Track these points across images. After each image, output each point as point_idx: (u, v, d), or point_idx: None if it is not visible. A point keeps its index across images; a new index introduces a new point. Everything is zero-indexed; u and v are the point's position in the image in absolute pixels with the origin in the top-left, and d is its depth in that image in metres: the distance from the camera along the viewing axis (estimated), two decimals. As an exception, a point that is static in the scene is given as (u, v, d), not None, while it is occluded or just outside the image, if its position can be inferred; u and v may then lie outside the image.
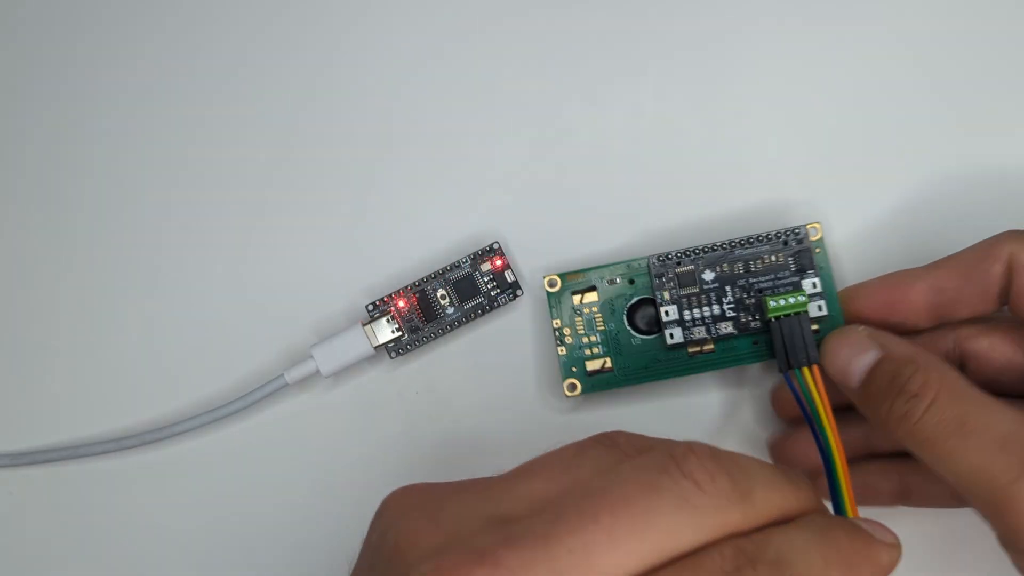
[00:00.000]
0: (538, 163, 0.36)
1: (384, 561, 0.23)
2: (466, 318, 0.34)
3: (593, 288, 0.34)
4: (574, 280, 0.34)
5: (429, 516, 0.23)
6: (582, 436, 0.34)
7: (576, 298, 0.34)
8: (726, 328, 0.33)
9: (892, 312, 0.31)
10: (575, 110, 0.37)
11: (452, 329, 0.35)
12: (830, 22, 0.36)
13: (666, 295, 0.33)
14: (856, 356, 0.30)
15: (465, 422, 0.35)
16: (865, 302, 0.32)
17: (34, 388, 0.36)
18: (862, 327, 0.31)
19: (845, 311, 0.32)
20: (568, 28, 0.37)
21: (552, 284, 0.34)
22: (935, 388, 0.27)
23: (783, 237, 0.33)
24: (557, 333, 0.34)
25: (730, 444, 0.32)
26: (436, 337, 0.35)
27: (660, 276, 0.33)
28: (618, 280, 0.34)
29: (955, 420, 0.27)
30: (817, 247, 0.33)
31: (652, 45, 0.37)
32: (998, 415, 0.26)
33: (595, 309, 0.34)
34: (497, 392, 0.35)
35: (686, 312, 0.33)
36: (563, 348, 0.34)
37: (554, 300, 0.34)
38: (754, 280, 0.33)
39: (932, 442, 0.27)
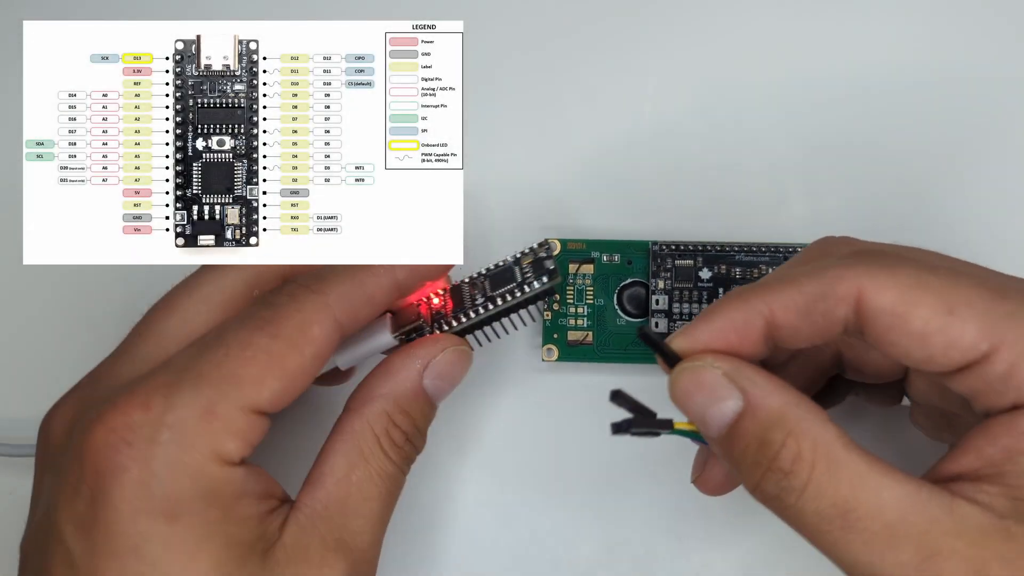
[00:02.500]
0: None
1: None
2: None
3: (591, 260, 0.35)
4: (574, 248, 0.35)
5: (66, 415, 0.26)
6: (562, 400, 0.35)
7: (573, 267, 0.34)
8: (710, 326, 0.34)
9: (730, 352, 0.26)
10: (601, 94, 0.37)
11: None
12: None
13: (660, 284, 0.34)
14: (712, 405, 0.25)
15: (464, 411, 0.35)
16: (703, 343, 0.26)
17: (36, 390, 0.36)
18: (719, 364, 0.25)
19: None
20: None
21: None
22: (810, 463, 0.23)
23: (783, 252, 0.34)
24: (547, 297, 0.34)
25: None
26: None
27: (659, 263, 0.34)
28: (617, 258, 0.34)
29: (836, 508, 0.23)
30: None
31: (682, 31, 0.37)
32: (885, 495, 0.23)
33: (588, 281, 0.34)
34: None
35: (675, 305, 0.34)
36: (549, 313, 0.34)
37: (550, 264, 0.35)
38: (746, 285, 0.34)
39: (811, 530, 0.24)
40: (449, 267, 0.29)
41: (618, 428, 0.25)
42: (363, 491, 0.27)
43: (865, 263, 0.24)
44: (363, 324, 0.28)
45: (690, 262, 0.34)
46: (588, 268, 0.35)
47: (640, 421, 0.25)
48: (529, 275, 0.29)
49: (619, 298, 0.34)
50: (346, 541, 0.26)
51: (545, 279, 0.29)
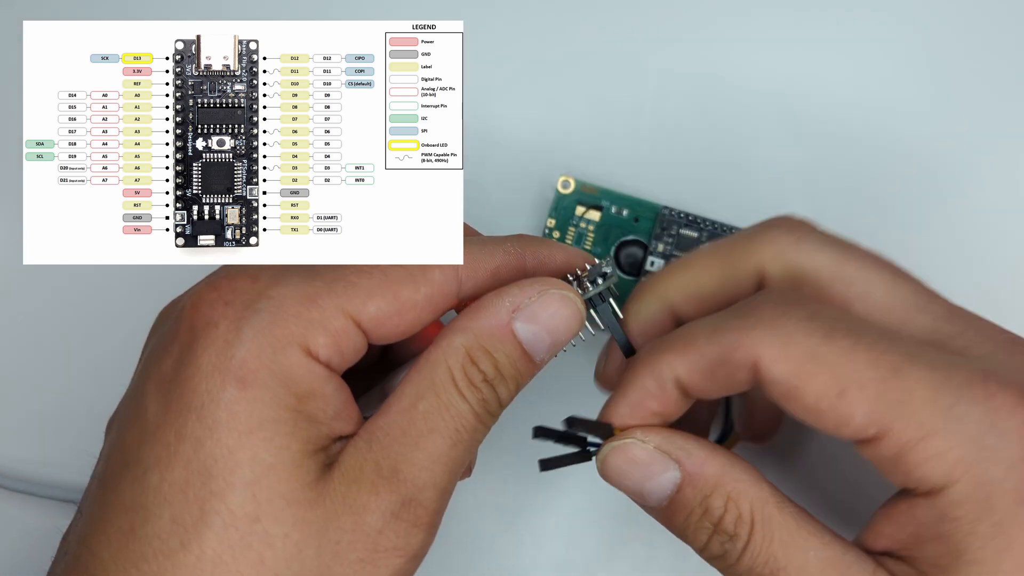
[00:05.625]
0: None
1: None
2: None
3: (600, 208, 0.35)
4: (587, 192, 0.35)
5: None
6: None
7: (580, 209, 0.35)
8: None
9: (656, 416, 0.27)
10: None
11: None
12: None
13: (660, 247, 0.34)
14: (650, 478, 0.25)
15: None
16: (627, 416, 0.26)
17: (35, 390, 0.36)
18: (649, 437, 0.26)
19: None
20: None
21: (565, 185, 0.35)
22: (749, 523, 0.25)
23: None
24: (546, 231, 0.34)
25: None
26: None
27: (664, 227, 0.34)
28: (625, 212, 0.35)
29: (767, 567, 0.24)
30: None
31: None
32: (811, 556, 0.24)
33: (591, 228, 0.35)
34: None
35: (668, 273, 0.34)
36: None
37: (559, 201, 0.35)
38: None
39: None
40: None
41: (547, 465, 0.25)
42: (428, 422, 0.25)
43: (762, 328, 0.24)
44: (480, 294, 0.26)
45: (695, 234, 0.34)
46: (595, 215, 0.35)
47: (569, 457, 0.25)
48: (583, 279, 0.27)
49: (616, 252, 0.35)
50: (402, 471, 0.24)
51: (600, 280, 0.26)
